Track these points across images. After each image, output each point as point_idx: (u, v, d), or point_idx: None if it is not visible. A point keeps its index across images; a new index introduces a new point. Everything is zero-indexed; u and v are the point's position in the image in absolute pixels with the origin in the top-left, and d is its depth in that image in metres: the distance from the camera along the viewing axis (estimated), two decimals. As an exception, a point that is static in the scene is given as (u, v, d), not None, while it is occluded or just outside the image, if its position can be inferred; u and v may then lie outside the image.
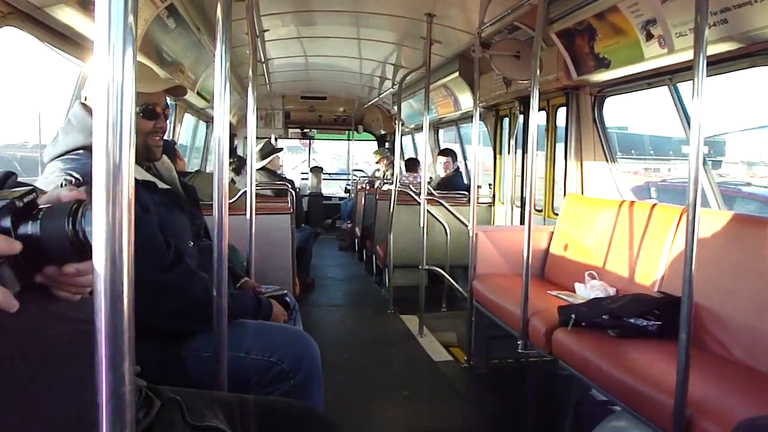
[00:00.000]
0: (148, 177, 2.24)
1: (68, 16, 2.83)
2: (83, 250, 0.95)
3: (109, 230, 0.75)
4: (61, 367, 1.01)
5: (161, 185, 2.30)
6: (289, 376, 2.21)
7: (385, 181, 8.52)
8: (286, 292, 2.78)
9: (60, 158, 2.09)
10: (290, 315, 2.75)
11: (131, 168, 0.76)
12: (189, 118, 7.66)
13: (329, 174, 13.95)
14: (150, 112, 2.23)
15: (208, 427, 1.36)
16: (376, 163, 10.88)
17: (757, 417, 1.77)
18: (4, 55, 2.96)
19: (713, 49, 2.95)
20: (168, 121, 2.43)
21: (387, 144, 12.62)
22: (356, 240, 9.20)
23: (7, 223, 0.94)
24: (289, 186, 5.88)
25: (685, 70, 3.55)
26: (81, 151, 2.09)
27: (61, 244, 0.95)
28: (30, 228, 0.95)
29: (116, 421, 0.78)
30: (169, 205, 2.29)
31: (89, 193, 1.00)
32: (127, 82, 0.75)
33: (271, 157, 6.76)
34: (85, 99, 2.28)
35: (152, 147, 2.30)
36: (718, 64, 3.23)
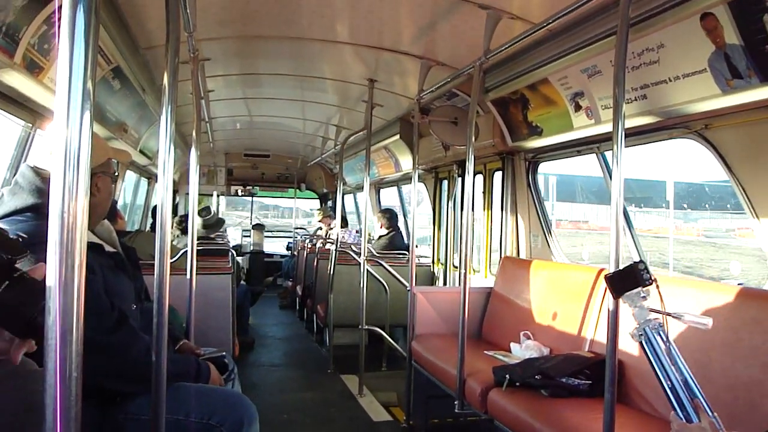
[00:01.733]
0: (95, 240, 2.25)
1: (14, 80, 2.83)
2: (28, 334, 0.99)
3: (61, 290, 0.79)
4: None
5: (108, 248, 2.31)
6: None
7: (327, 240, 8.57)
8: (224, 353, 2.76)
9: (6, 219, 2.07)
10: (228, 377, 2.73)
11: (84, 231, 0.80)
12: (130, 175, 7.59)
13: (271, 231, 13.89)
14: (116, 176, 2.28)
15: None
16: (319, 221, 10.93)
17: None
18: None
19: (634, 122, 3.16)
20: None
21: (330, 202, 12.70)
22: (297, 298, 9.15)
23: None
24: (229, 245, 5.87)
25: (611, 139, 3.76)
26: (28, 213, 2.08)
27: (17, 321, 0.97)
28: (2, 290, 0.96)
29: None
30: (114, 269, 2.29)
31: (39, 253, 1.04)
32: (84, 146, 0.80)
33: (219, 230, 6.81)
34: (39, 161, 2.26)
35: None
36: (640, 135, 3.46)
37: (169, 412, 2.04)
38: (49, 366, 0.80)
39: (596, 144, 4.02)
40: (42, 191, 2.11)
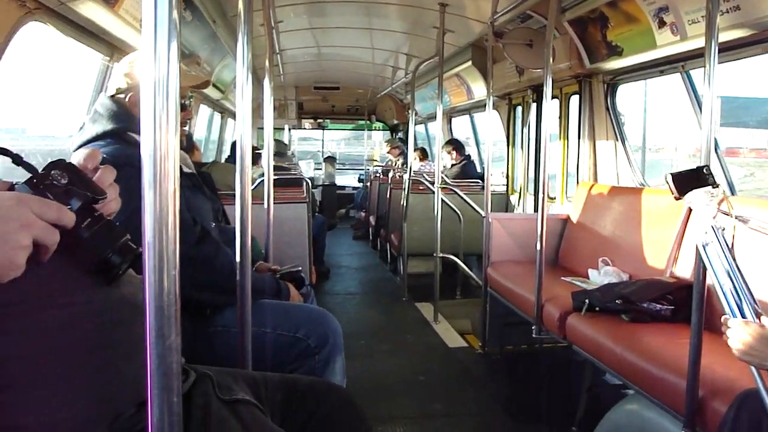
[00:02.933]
0: None
1: (90, 11, 2.89)
2: (101, 271, 1.06)
3: (156, 214, 0.82)
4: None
5: (186, 169, 2.41)
6: (314, 352, 2.28)
7: (395, 170, 8.57)
8: (300, 268, 2.82)
9: (89, 144, 2.18)
10: (307, 293, 2.82)
11: (176, 156, 0.82)
12: (204, 110, 7.73)
13: (343, 164, 13.99)
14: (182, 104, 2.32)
15: (237, 400, 1.42)
16: (387, 152, 10.94)
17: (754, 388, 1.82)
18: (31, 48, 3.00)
19: (725, 36, 2.96)
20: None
21: (400, 134, 12.64)
22: (370, 229, 9.25)
23: (75, 207, 1.01)
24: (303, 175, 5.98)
25: (697, 57, 3.56)
26: (109, 138, 2.18)
27: (91, 258, 1.05)
28: (83, 228, 1.03)
29: (164, 389, 0.84)
30: (193, 189, 2.40)
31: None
32: (173, 76, 0.81)
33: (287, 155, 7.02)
34: (116, 91, 2.32)
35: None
36: (730, 51, 3.25)
37: (257, 324, 2.14)
38: (148, 293, 0.84)
39: (681, 62, 3.81)
40: (120, 117, 2.22)
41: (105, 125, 2.20)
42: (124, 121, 2.21)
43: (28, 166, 1.03)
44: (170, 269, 0.84)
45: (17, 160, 1.05)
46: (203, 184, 2.55)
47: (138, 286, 1.09)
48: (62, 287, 1.06)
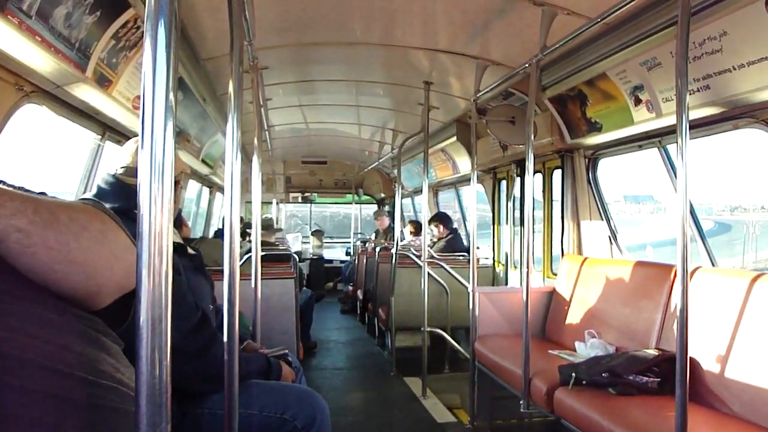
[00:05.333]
0: (179, 240, 2.34)
1: (84, 93, 2.96)
2: None
3: (150, 292, 0.83)
4: None
5: (189, 250, 2.40)
6: None
7: (380, 243, 8.59)
8: (287, 351, 2.82)
9: None
10: (296, 375, 2.80)
11: (170, 235, 0.85)
12: (192, 185, 7.79)
13: (331, 237, 14.03)
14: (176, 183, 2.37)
15: None
16: (375, 219, 11.02)
17: None
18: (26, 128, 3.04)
19: (697, 113, 3.09)
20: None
21: (387, 207, 12.74)
22: (358, 303, 9.21)
23: None
24: (291, 250, 6.00)
25: (673, 132, 3.67)
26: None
27: None
28: None
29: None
30: (194, 270, 2.39)
31: None
32: (168, 157, 0.85)
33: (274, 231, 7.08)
34: (122, 169, 2.35)
35: None
36: (703, 127, 3.38)
37: (244, 407, 2.12)
38: (140, 379, 0.85)
39: (658, 138, 3.94)
40: (125, 195, 2.23)
41: (112, 203, 2.20)
42: (129, 199, 2.23)
43: None
44: (162, 359, 0.85)
45: None
46: (203, 264, 2.55)
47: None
48: None
